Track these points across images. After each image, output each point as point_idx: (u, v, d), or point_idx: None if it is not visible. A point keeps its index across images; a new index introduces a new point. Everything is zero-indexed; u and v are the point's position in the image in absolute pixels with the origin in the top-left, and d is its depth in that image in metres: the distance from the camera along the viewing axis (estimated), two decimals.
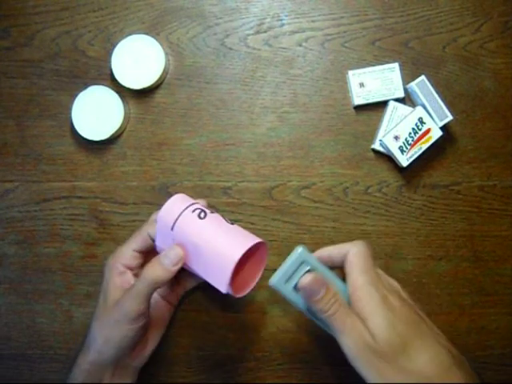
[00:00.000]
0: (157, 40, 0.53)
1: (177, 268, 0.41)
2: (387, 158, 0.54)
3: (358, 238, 0.53)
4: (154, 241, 0.44)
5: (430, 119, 0.51)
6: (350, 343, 0.38)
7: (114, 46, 0.52)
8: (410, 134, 0.51)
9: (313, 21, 0.54)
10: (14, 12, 0.55)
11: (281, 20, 0.54)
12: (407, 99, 0.54)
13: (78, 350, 0.44)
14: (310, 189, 0.53)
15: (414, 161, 0.51)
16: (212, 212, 0.43)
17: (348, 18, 0.54)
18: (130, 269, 0.45)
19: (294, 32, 0.54)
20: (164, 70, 0.53)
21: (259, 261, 0.44)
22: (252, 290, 0.43)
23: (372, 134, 0.54)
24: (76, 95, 0.52)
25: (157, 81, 0.52)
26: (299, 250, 0.41)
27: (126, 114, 0.53)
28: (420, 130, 0.51)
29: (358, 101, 0.53)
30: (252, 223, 0.53)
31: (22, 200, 0.54)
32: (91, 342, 0.43)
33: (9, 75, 0.55)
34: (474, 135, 0.54)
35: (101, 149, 0.54)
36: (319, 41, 0.54)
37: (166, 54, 0.53)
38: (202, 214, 0.42)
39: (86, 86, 0.53)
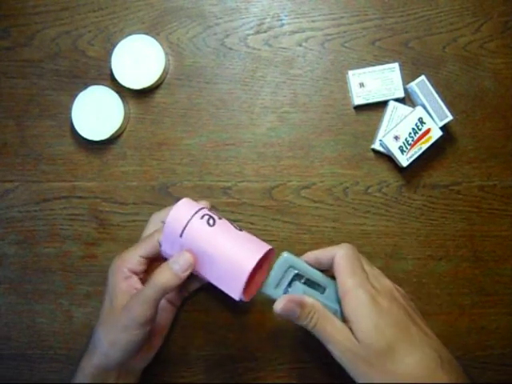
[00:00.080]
0: (157, 40, 0.53)
1: (186, 274, 0.41)
2: (387, 158, 0.54)
3: (358, 237, 0.53)
4: (160, 246, 0.44)
5: (430, 119, 0.51)
6: (334, 350, 0.40)
7: (114, 46, 0.52)
8: (410, 134, 0.51)
9: (313, 21, 0.54)
10: (14, 12, 0.55)
11: (281, 20, 0.54)
12: (407, 99, 0.54)
13: (82, 353, 0.44)
14: (310, 189, 0.53)
15: (414, 161, 0.51)
16: (220, 218, 0.43)
17: (348, 18, 0.54)
18: (136, 274, 0.44)
19: (293, 32, 0.54)
20: (164, 70, 0.53)
21: (264, 264, 0.44)
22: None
23: (372, 134, 0.54)
24: (76, 95, 0.52)
25: (157, 81, 0.52)
26: (284, 255, 0.43)
27: (126, 114, 0.53)
28: (420, 130, 0.51)
29: (357, 101, 0.53)
30: (252, 223, 0.53)
31: (22, 200, 0.54)
32: (96, 345, 0.43)
33: (9, 75, 0.55)
34: (474, 135, 0.54)
35: (101, 149, 0.54)
36: (319, 41, 0.54)
37: (166, 54, 0.53)
38: (211, 221, 0.42)
39: (86, 86, 0.53)
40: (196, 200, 0.45)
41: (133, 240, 0.53)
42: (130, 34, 0.53)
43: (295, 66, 0.54)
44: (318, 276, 0.44)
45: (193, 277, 0.46)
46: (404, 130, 0.51)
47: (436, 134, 0.51)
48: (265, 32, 0.54)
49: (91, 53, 0.54)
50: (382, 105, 0.53)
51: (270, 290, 0.43)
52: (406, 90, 0.53)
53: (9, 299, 0.54)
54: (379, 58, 0.54)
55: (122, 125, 0.52)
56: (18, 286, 0.54)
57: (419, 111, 0.51)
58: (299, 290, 0.42)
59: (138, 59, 0.52)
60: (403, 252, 0.53)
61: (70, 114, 0.52)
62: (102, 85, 0.53)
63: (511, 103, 0.54)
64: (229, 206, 0.53)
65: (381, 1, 0.54)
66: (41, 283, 0.53)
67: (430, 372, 0.37)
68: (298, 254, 0.45)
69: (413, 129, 0.51)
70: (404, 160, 0.51)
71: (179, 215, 0.42)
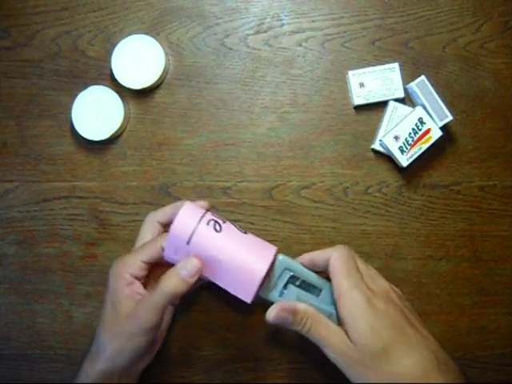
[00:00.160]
0: (157, 40, 0.53)
1: (194, 279, 0.41)
2: (387, 158, 0.54)
3: (358, 237, 0.53)
4: (163, 250, 0.43)
5: (430, 119, 0.51)
6: (329, 353, 0.40)
7: (114, 45, 0.52)
8: (410, 134, 0.51)
9: (313, 21, 0.54)
10: (14, 12, 0.55)
11: (281, 20, 0.54)
12: (407, 99, 0.54)
13: (82, 354, 0.44)
14: (310, 189, 0.53)
15: (414, 161, 0.51)
16: (224, 221, 0.43)
17: (348, 18, 0.54)
18: (138, 279, 0.44)
19: (293, 32, 0.54)
20: (164, 70, 0.53)
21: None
22: None
23: (372, 134, 0.54)
24: (76, 95, 0.52)
25: (157, 81, 0.52)
26: (280, 257, 0.43)
27: (126, 114, 0.53)
28: (420, 130, 0.51)
29: (357, 101, 0.53)
30: (252, 223, 0.53)
31: (22, 200, 0.54)
32: (101, 351, 0.42)
33: (9, 75, 0.55)
34: (474, 135, 0.54)
35: (101, 149, 0.54)
36: (319, 41, 0.54)
37: (166, 54, 0.53)
38: (218, 227, 0.42)
39: (86, 86, 0.53)
40: (194, 200, 0.45)
41: (133, 240, 0.53)
42: (130, 34, 0.53)
43: (295, 65, 0.54)
44: (313, 278, 0.44)
45: None
46: (404, 130, 0.51)
47: (436, 134, 0.51)
48: (265, 32, 0.54)
49: (91, 53, 0.54)
50: (382, 105, 0.53)
51: (265, 292, 0.43)
52: (406, 90, 0.53)
53: (9, 299, 0.54)
54: (379, 58, 0.54)
55: (121, 125, 0.52)
56: (18, 285, 0.54)
57: (419, 111, 0.51)
58: (293, 293, 0.42)
59: (138, 59, 0.52)
60: (403, 252, 0.53)
61: (69, 114, 0.52)
62: (102, 85, 0.53)
63: (511, 103, 0.54)
64: (229, 206, 0.53)
65: (381, 1, 0.54)
66: (41, 283, 0.53)
67: (427, 373, 0.37)
68: (298, 254, 0.46)
69: (413, 129, 0.51)
70: (404, 160, 0.51)
71: (184, 222, 0.41)
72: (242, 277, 0.41)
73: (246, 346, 0.52)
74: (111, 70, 0.53)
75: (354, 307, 0.39)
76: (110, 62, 0.53)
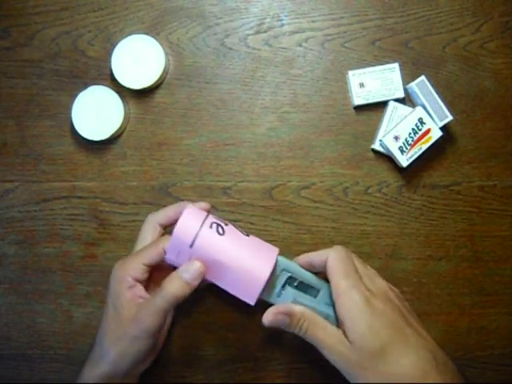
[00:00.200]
0: (157, 40, 0.53)
1: (197, 283, 0.41)
2: (387, 158, 0.54)
3: (358, 238, 0.53)
4: (164, 253, 0.43)
5: (430, 119, 0.51)
6: (327, 354, 0.40)
7: (114, 45, 0.52)
8: (410, 134, 0.51)
9: (313, 21, 0.54)
10: (14, 12, 0.55)
11: (281, 20, 0.54)
12: (407, 99, 0.54)
13: (81, 355, 0.44)
14: (310, 189, 0.53)
15: (414, 161, 0.51)
16: (226, 224, 0.43)
17: (348, 18, 0.54)
18: (139, 282, 0.43)
19: (293, 32, 0.54)
20: (164, 70, 0.53)
21: None
22: None
23: (372, 134, 0.54)
24: (76, 95, 0.52)
25: (157, 81, 0.52)
26: (277, 258, 0.43)
27: (126, 114, 0.53)
28: (420, 130, 0.51)
29: (357, 101, 0.53)
30: (252, 223, 0.53)
31: (22, 200, 0.54)
32: (103, 355, 0.42)
33: (9, 75, 0.55)
34: (474, 135, 0.54)
35: (101, 149, 0.54)
36: (319, 41, 0.54)
37: (166, 54, 0.53)
38: (220, 230, 0.42)
39: (86, 86, 0.53)
40: (195, 201, 0.45)
41: (133, 240, 0.53)
42: (130, 34, 0.53)
43: (295, 65, 0.54)
44: (311, 279, 0.44)
45: None
46: (404, 130, 0.51)
47: (436, 134, 0.51)
48: (265, 32, 0.54)
49: (91, 53, 0.54)
50: (382, 105, 0.53)
51: (263, 294, 0.43)
52: (406, 90, 0.53)
53: (9, 299, 0.54)
54: (379, 58, 0.54)
55: (122, 125, 0.52)
56: (18, 285, 0.54)
57: (419, 111, 0.51)
58: (290, 294, 0.42)
59: (138, 59, 0.52)
60: (403, 252, 0.53)
61: (69, 114, 0.52)
62: (102, 85, 0.53)
63: (511, 103, 0.54)
64: (229, 206, 0.53)
65: (381, 1, 0.54)
66: (41, 283, 0.53)
67: (425, 373, 0.37)
68: (298, 254, 0.46)
69: (413, 129, 0.51)
70: (404, 160, 0.51)
71: (187, 225, 0.41)
72: (245, 280, 0.41)
73: (245, 345, 0.52)
74: (111, 70, 0.53)
75: (352, 307, 0.39)
76: (109, 62, 0.53)
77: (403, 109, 0.52)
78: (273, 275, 0.43)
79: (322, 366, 0.51)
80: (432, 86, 0.51)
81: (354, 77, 0.53)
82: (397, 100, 0.53)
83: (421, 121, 0.51)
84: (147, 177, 0.54)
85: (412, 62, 0.54)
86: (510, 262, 0.53)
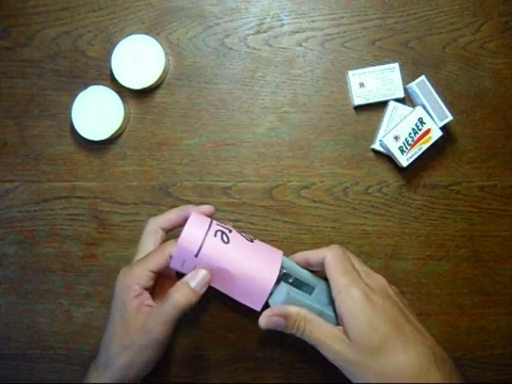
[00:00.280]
0: (157, 40, 0.53)
1: (204, 290, 0.41)
2: (387, 158, 0.54)
3: (358, 237, 0.53)
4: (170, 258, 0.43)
5: (430, 119, 0.51)
6: (325, 353, 0.40)
7: (114, 45, 0.52)
8: (410, 134, 0.51)
9: (313, 21, 0.54)
10: (14, 12, 0.55)
11: (281, 20, 0.54)
12: (407, 99, 0.54)
13: (85, 360, 0.44)
14: (310, 189, 0.53)
15: (414, 161, 0.51)
16: (230, 231, 0.43)
17: (348, 18, 0.54)
18: (146, 289, 0.43)
19: (293, 32, 0.54)
20: (164, 70, 0.53)
21: None
22: None
23: (372, 134, 0.54)
24: (76, 95, 0.52)
25: (157, 81, 0.52)
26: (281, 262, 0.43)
27: (126, 114, 0.53)
28: (420, 130, 0.51)
29: (357, 101, 0.53)
30: (252, 223, 0.53)
31: (22, 200, 0.54)
32: (110, 364, 0.42)
33: (9, 75, 0.55)
34: (474, 135, 0.54)
35: (101, 149, 0.54)
36: (319, 41, 0.54)
37: (166, 54, 0.53)
38: (225, 238, 0.42)
39: (86, 86, 0.53)
40: (194, 202, 0.45)
41: (133, 240, 0.53)
42: (130, 34, 0.53)
43: (295, 65, 0.54)
44: (306, 275, 0.44)
45: None
46: (404, 130, 0.51)
47: (436, 134, 0.51)
48: (265, 32, 0.54)
49: (91, 53, 0.54)
50: (382, 105, 0.53)
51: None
52: (406, 90, 0.53)
53: (9, 299, 0.54)
54: (379, 58, 0.54)
55: (122, 125, 0.52)
56: (18, 285, 0.54)
57: (419, 111, 0.51)
58: (283, 289, 0.42)
59: (138, 59, 0.52)
60: (403, 252, 0.53)
61: (69, 114, 0.52)
62: (102, 85, 0.53)
63: (511, 103, 0.54)
64: (229, 206, 0.53)
65: (381, 1, 0.54)
66: (41, 283, 0.53)
67: (424, 369, 0.37)
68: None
69: (413, 129, 0.51)
70: (404, 160, 0.51)
71: (192, 235, 0.41)
72: (251, 287, 0.41)
73: (245, 345, 0.52)
74: (111, 70, 0.53)
75: (352, 304, 0.39)
76: (109, 62, 0.53)
77: (403, 109, 0.52)
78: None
79: (321, 366, 0.52)
80: (432, 85, 0.51)
81: (354, 77, 0.53)
82: (397, 100, 0.53)
83: (421, 121, 0.51)
84: (147, 177, 0.54)
85: (412, 62, 0.54)
86: (510, 262, 0.53)
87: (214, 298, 0.53)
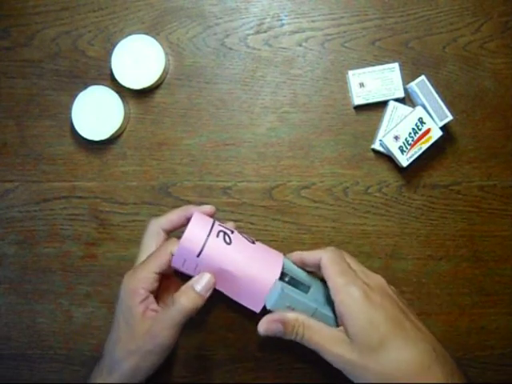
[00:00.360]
0: (157, 40, 0.53)
1: (209, 294, 0.41)
2: (387, 158, 0.54)
3: (358, 237, 0.53)
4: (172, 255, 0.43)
5: (430, 119, 0.51)
6: (326, 357, 0.40)
7: (114, 45, 0.52)
8: (410, 134, 0.51)
9: (313, 21, 0.54)
10: (14, 12, 0.55)
11: (281, 20, 0.54)
12: (407, 99, 0.54)
13: (85, 360, 0.43)
14: (310, 189, 0.53)
15: (414, 161, 0.51)
16: (232, 232, 0.43)
17: (348, 18, 0.54)
18: (151, 292, 0.42)
19: (293, 32, 0.54)
20: (164, 70, 0.53)
21: None
22: None
23: (372, 134, 0.54)
24: (76, 95, 0.52)
25: (157, 81, 0.52)
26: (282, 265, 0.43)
27: (126, 114, 0.53)
28: (420, 130, 0.51)
29: (357, 101, 0.53)
30: (252, 223, 0.53)
31: (22, 200, 0.54)
32: (115, 368, 0.41)
33: (9, 75, 0.55)
34: (474, 135, 0.54)
35: (101, 149, 0.54)
36: (319, 41, 0.54)
37: (166, 54, 0.53)
38: (227, 239, 0.42)
39: (86, 86, 0.53)
40: (194, 202, 0.45)
41: (133, 240, 0.53)
42: (130, 34, 0.53)
43: (295, 65, 0.54)
44: (302, 275, 0.45)
45: None
46: (404, 130, 0.51)
47: (436, 134, 0.51)
48: (265, 32, 0.54)
49: (91, 53, 0.54)
50: (382, 105, 0.53)
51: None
52: (406, 90, 0.53)
53: (9, 299, 0.54)
54: (379, 58, 0.54)
55: (122, 125, 0.52)
56: (18, 285, 0.54)
57: (419, 111, 0.51)
58: (278, 287, 0.42)
59: (138, 59, 0.52)
60: (403, 252, 0.53)
61: (69, 114, 0.52)
62: (102, 85, 0.53)
63: (511, 103, 0.54)
64: (229, 206, 0.53)
65: (381, 1, 0.54)
66: (41, 283, 0.53)
67: (425, 367, 0.37)
68: None
69: (413, 129, 0.51)
70: (404, 160, 0.51)
71: (194, 235, 0.41)
72: (251, 288, 0.42)
73: (245, 345, 0.52)
74: (111, 70, 0.53)
75: (351, 303, 0.39)
76: (109, 62, 0.53)
77: (403, 109, 0.52)
78: None
79: (322, 366, 0.52)
80: (432, 85, 0.51)
81: (354, 77, 0.53)
82: (397, 100, 0.53)
83: (421, 120, 0.51)
84: (147, 177, 0.54)
85: (412, 62, 0.54)
86: (510, 262, 0.53)
87: (214, 299, 0.52)
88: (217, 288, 0.43)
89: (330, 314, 0.43)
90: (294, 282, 0.44)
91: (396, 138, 0.51)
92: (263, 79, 0.54)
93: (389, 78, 0.53)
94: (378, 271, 0.45)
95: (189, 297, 0.41)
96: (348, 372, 0.39)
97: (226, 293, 0.43)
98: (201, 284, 0.41)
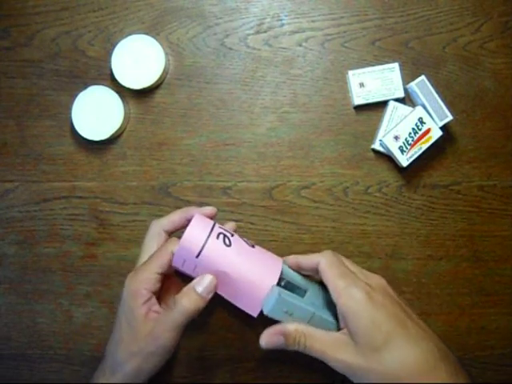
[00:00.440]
0: (157, 40, 0.53)
1: (211, 296, 0.41)
2: (387, 158, 0.54)
3: (358, 237, 0.53)
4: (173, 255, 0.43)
5: (430, 119, 0.51)
6: (329, 364, 0.40)
7: (114, 45, 0.52)
8: (410, 134, 0.51)
9: (313, 21, 0.54)
10: (14, 12, 0.55)
11: (281, 20, 0.54)
12: (407, 99, 0.54)
13: (85, 360, 0.43)
14: (310, 189, 0.53)
15: (414, 161, 0.51)
16: (232, 234, 0.43)
17: (348, 18, 0.54)
18: (153, 293, 0.42)
19: (294, 32, 0.54)
20: (164, 70, 0.53)
21: None
22: None
23: (372, 134, 0.54)
24: (76, 95, 0.52)
25: (157, 81, 0.52)
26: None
27: (126, 114, 0.53)
28: (420, 130, 0.51)
29: (357, 101, 0.53)
30: (252, 223, 0.53)
31: (22, 200, 0.54)
32: (118, 370, 0.41)
33: (9, 75, 0.55)
34: (474, 135, 0.54)
35: (101, 149, 0.54)
36: (319, 41, 0.54)
37: (166, 54, 0.53)
38: (227, 241, 0.42)
39: (86, 86, 0.53)
40: (194, 202, 0.45)
41: (133, 240, 0.53)
42: (130, 34, 0.53)
43: (295, 65, 0.54)
44: (298, 278, 0.44)
45: None
46: (404, 130, 0.51)
47: (436, 134, 0.51)
48: (265, 32, 0.54)
49: (91, 53, 0.54)
50: (382, 105, 0.53)
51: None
52: (406, 90, 0.53)
53: (9, 299, 0.54)
54: (379, 58, 0.54)
55: (122, 125, 0.52)
56: (18, 286, 0.54)
57: (419, 111, 0.51)
58: (275, 292, 0.42)
59: (138, 59, 0.52)
60: (403, 252, 0.53)
61: (69, 114, 0.52)
62: (102, 85, 0.53)
63: (511, 103, 0.54)
64: (229, 206, 0.53)
65: (381, 1, 0.54)
66: (41, 283, 0.53)
67: (429, 366, 0.37)
68: (298, 254, 0.45)
69: (413, 129, 0.51)
70: (404, 160, 0.51)
71: (194, 236, 0.41)
72: (249, 292, 0.42)
73: (245, 345, 0.52)
74: (111, 70, 0.53)
75: (354, 304, 0.39)
76: (109, 62, 0.53)
77: (403, 108, 0.52)
78: None
79: (322, 365, 0.52)
80: (432, 85, 0.51)
81: (354, 77, 0.53)
82: (397, 100, 0.53)
83: (421, 120, 0.51)
84: (147, 177, 0.54)
85: (412, 62, 0.54)
86: (510, 262, 0.53)
87: (214, 299, 0.52)
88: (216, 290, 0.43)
89: (329, 318, 0.42)
90: (291, 286, 0.44)
91: (396, 137, 0.51)
92: (263, 79, 0.54)
93: (389, 78, 0.53)
94: (377, 271, 0.45)
95: (190, 298, 0.41)
96: (352, 375, 0.39)
97: (223, 295, 0.43)
98: (202, 285, 0.41)
